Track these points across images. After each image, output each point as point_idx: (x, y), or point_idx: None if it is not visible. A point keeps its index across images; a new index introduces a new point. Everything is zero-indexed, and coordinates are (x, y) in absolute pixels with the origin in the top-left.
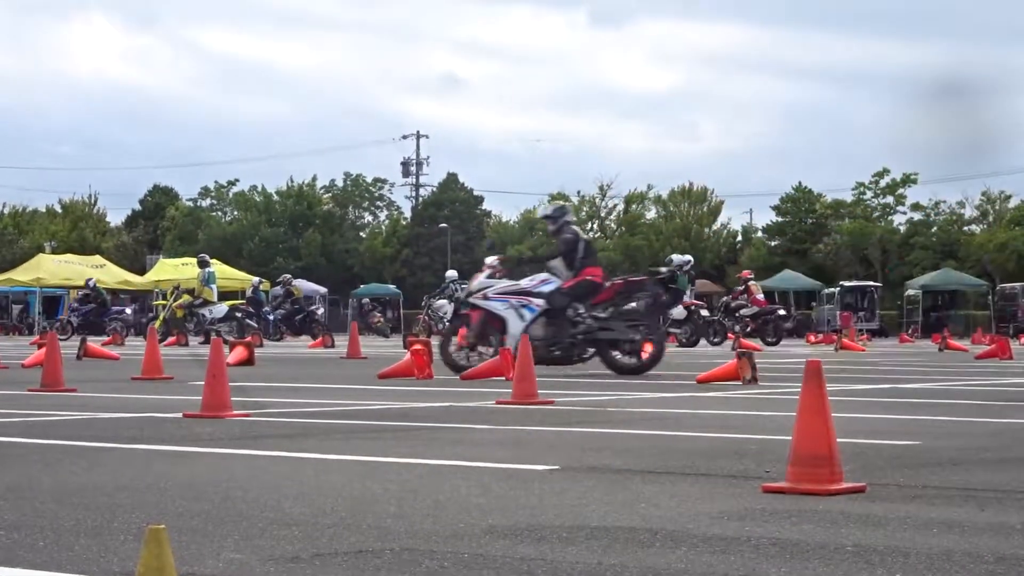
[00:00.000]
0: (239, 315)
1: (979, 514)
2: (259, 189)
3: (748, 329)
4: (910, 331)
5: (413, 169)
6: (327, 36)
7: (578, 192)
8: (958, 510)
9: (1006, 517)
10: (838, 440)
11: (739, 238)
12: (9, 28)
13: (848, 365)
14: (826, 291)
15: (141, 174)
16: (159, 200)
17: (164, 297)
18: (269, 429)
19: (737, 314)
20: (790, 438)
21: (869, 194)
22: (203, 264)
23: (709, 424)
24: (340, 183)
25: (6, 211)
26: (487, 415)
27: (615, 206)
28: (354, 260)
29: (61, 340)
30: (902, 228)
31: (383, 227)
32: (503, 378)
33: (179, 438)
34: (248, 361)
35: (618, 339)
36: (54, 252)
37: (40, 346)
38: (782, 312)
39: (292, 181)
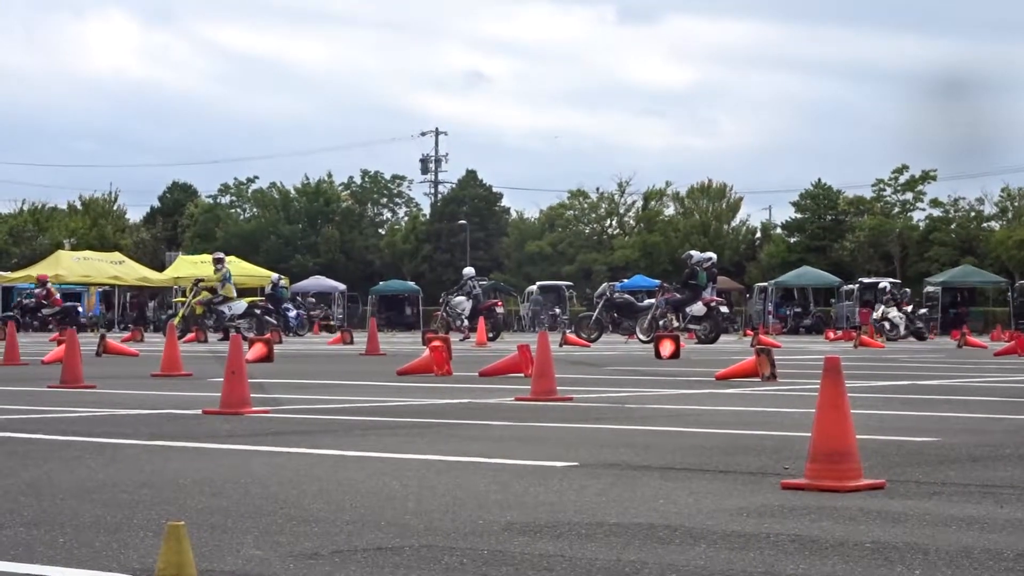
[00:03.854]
0: (258, 312)
1: (998, 511)
2: (278, 186)
3: (50, 326)
4: (929, 328)
5: (432, 166)
6: (346, 32)
7: (597, 188)
8: (977, 507)
9: None
10: (857, 437)
11: (758, 235)
12: (28, 25)
13: (867, 362)
14: (845, 288)
15: (161, 171)
16: (178, 197)
17: (183, 294)
18: (288, 425)
19: (39, 313)
20: (809, 435)
21: (888, 191)
22: (219, 262)
23: (728, 421)
24: (358, 180)
25: (26, 208)
26: (506, 411)
27: (634, 203)
28: (373, 257)
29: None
30: (921, 225)
31: (402, 224)
32: (522, 375)
33: (198, 434)
34: (267, 358)
35: None
36: (73, 249)
37: (60, 343)
38: (80, 308)
39: (308, 178)
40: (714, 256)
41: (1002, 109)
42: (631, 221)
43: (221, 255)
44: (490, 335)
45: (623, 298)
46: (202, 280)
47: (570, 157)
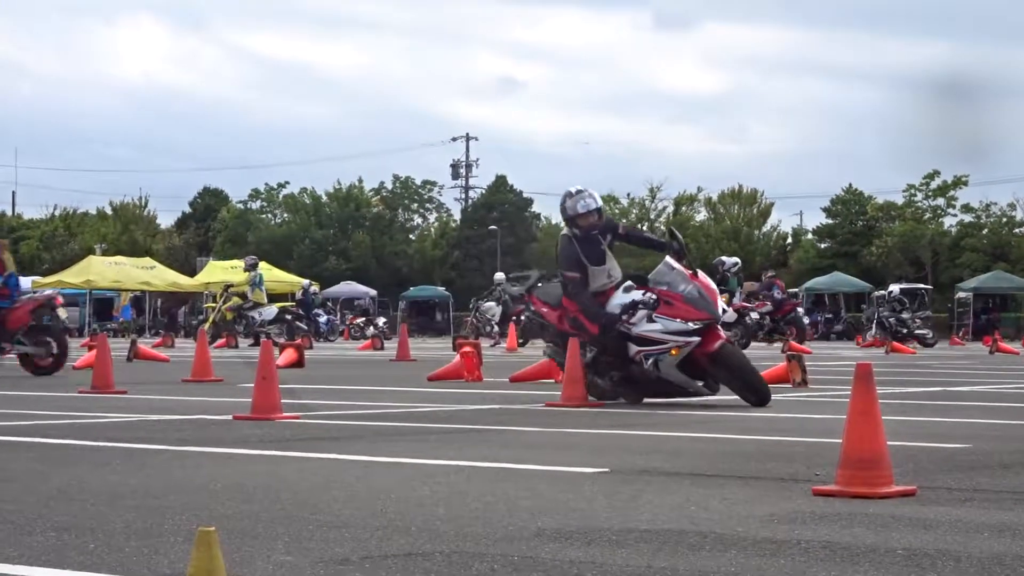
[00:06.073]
0: (289, 317)
1: None
2: (309, 191)
3: None
4: (961, 334)
5: (463, 171)
6: (376, 38)
7: (628, 194)
8: (1009, 514)
9: None
10: (888, 443)
11: (789, 240)
12: (59, 31)
13: (898, 368)
14: (876, 293)
15: (191, 176)
16: (209, 202)
17: (214, 299)
18: (318, 431)
19: None
20: (840, 441)
21: (919, 196)
22: (252, 267)
23: (759, 427)
24: (389, 185)
25: (57, 213)
26: (536, 417)
27: (665, 208)
28: (404, 262)
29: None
30: (953, 230)
31: (432, 229)
32: (552, 380)
33: (229, 440)
34: (298, 363)
35: None
36: (104, 254)
37: (91, 348)
38: None
39: (339, 183)
40: (739, 261)
41: None
42: (662, 227)
43: (255, 259)
44: (520, 341)
45: None
46: (232, 286)
47: (601, 163)
